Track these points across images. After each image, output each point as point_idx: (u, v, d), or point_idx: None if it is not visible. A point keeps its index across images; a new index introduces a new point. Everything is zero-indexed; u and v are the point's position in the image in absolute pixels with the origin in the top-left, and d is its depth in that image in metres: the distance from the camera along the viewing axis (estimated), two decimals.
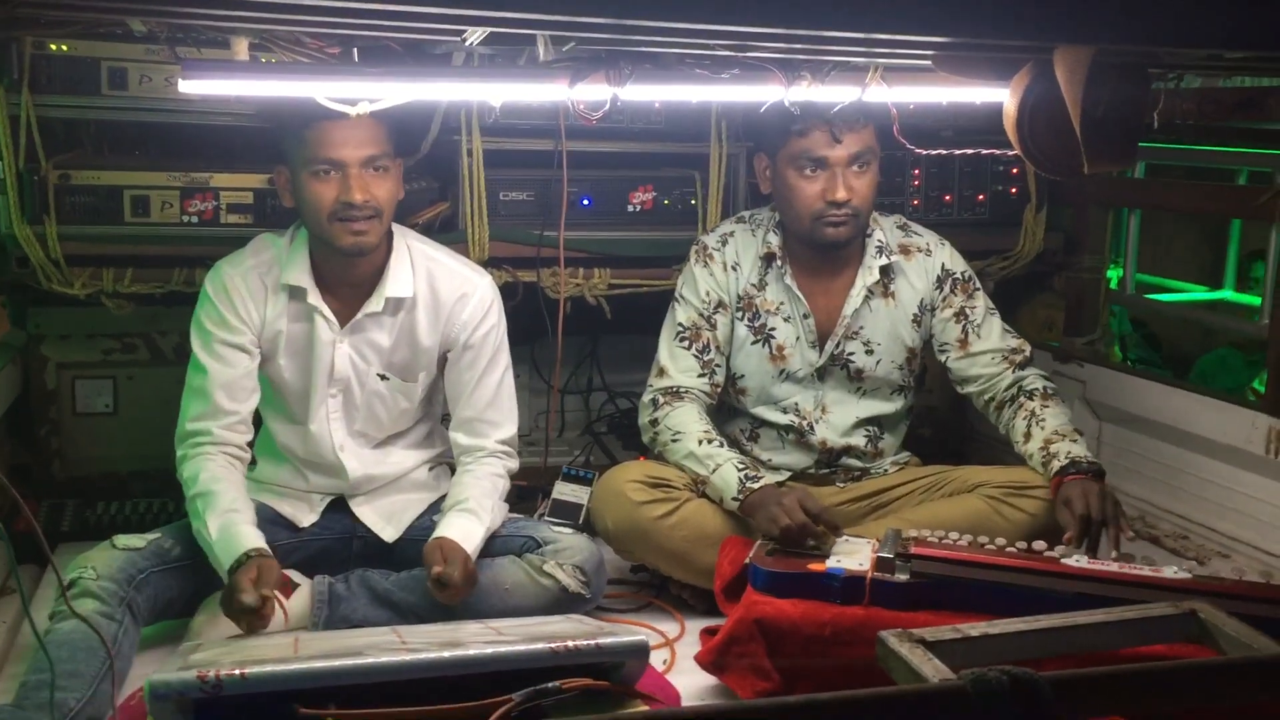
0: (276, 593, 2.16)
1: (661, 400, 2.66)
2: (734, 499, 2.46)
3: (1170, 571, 2.11)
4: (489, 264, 2.87)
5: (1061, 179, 2.29)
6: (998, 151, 2.98)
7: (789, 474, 2.74)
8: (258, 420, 2.52)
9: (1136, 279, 3.85)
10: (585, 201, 3.01)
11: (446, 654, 1.72)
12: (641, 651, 1.80)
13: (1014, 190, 3.30)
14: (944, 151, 2.86)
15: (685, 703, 2.09)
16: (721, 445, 2.56)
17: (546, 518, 2.64)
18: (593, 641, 1.76)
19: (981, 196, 3.28)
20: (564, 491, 2.72)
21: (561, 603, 2.36)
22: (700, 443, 2.55)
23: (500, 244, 2.93)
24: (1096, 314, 3.47)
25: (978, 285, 2.78)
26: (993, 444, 3.25)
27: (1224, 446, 2.88)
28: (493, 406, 2.53)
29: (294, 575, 2.36)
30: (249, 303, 2.41)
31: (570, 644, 1.74)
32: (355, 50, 2.05)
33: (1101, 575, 2.09)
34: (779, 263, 2.69)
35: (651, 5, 1.44)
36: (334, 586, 2.35)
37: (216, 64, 1.95)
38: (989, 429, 2.89)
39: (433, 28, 1.76)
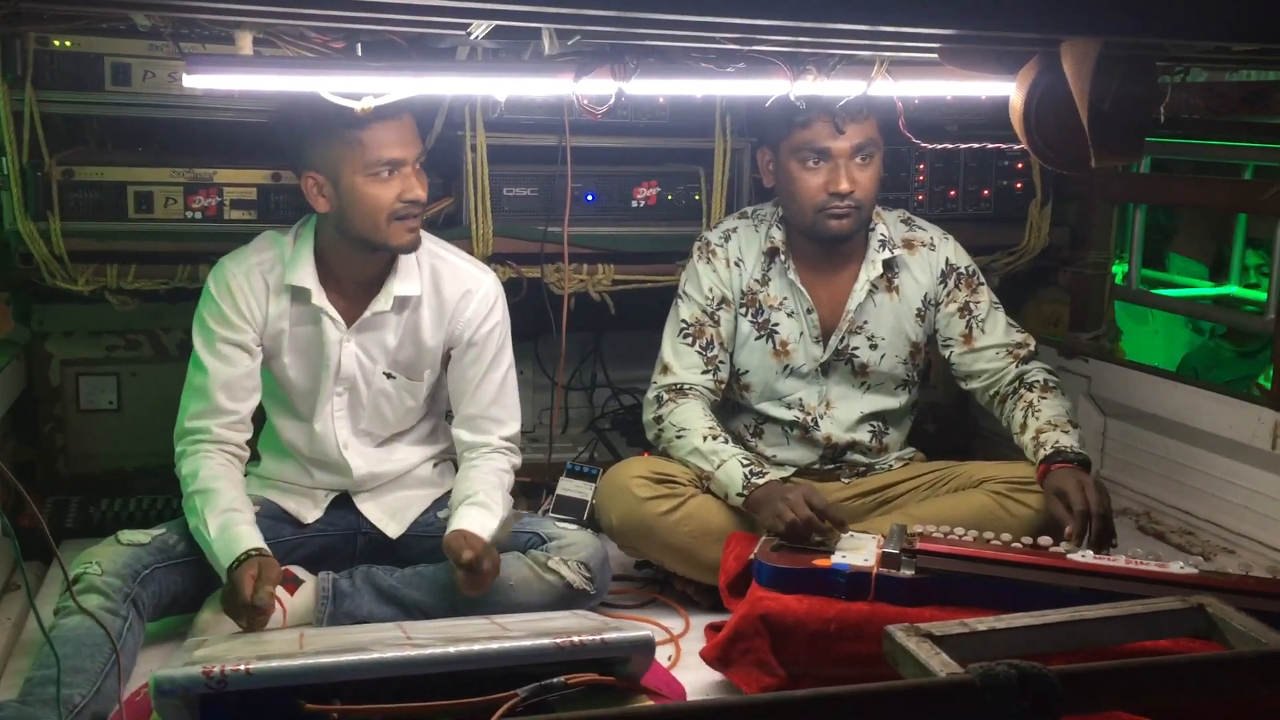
0: (277, 590, 2.16)
1: (666, 397, 2.65)
2: (739, 495, 2.46)
3: (1176, 567, 2.10)
4: (493, 260, 2.86)
5: (1068, 173, 2.28)
6: (1003, 146, 2.99)
7: (793, 470, 2.73)
8: (262, 416, 2.51)
9: (1142, 274, 3.82)
10: (589, 197, 3.01)
11: (451, 649, 1.72)
12: (646, 647, 1.81)
13: (1019, 185, 3.29)
14: (949, 146, 2.84)
15: (690, 698, 2.09)
16: (726, 441, 2.56)
17: (551, 514, 2.65)
18: (598, 637, 1.76)
19: (986, 191, 3.27)
20: (568, 488, 2.73)
21: (566, 599, 2.35)
22: (705, 439, 2.54)
23: (504, 240, 2.93)
24: (1101, 309, 3.46)
25: (982, 280, 2.77)
26: (997, 439, 3.25)
27: (1229, 442, 2.87)
28: (496, 403, 2.53)
29: (298, 571, 2.36)
30: (251, 300, 2.40)
31: (575, 639, 1.74)
32: (359, 45, 2.05)
33: (1107, 570, 2.08)
34: (782, 258, 2.69)
35: None
36: (338, 582, 2.35)
37: (221, 59, 1.94)
38: (993, 424, 2.88)
39: (437, 21, 1.75)
